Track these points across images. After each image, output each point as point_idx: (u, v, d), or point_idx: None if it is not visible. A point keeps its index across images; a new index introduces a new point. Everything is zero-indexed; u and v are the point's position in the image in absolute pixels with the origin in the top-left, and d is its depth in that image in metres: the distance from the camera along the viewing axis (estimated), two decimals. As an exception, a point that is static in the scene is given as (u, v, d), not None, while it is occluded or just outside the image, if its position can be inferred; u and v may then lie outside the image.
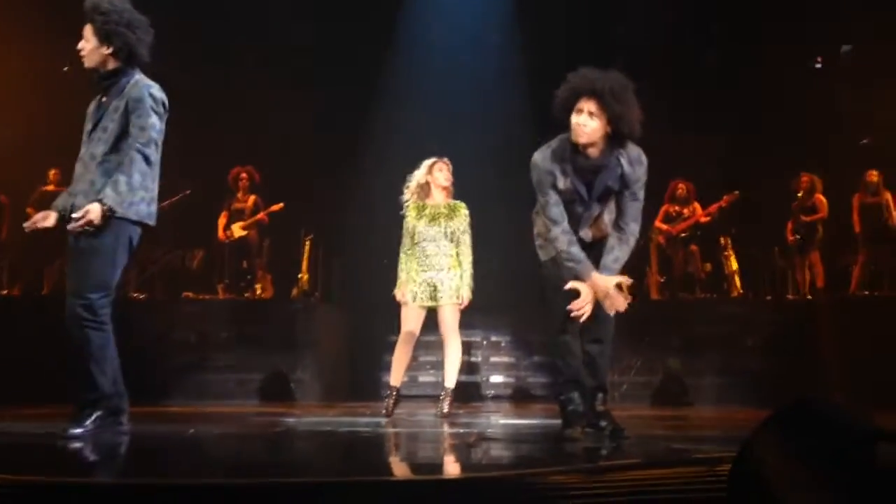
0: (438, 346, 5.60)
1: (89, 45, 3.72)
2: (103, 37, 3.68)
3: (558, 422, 3.88)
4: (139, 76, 3.75)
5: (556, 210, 3.60)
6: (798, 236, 8.42)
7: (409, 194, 5.45)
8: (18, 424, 4.36)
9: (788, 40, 9.17)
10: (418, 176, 5.45)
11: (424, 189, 5.45)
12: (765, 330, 7.49)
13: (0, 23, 8.29)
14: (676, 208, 8.73)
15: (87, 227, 3.52)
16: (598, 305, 3.62)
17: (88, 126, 3.76)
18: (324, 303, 8.44)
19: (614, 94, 3.43)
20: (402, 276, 5.37)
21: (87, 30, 3.72)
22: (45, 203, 7.90)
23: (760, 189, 8.72)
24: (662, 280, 8.73)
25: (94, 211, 3.51)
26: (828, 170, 8.60)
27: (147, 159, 3.61)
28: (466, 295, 5.33)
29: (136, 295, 8.17)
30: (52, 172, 8.30)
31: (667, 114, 8.33)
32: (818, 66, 9.76)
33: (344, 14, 9.35)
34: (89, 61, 3.74)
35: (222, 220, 8.73)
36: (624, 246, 3.62)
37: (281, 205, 8.60)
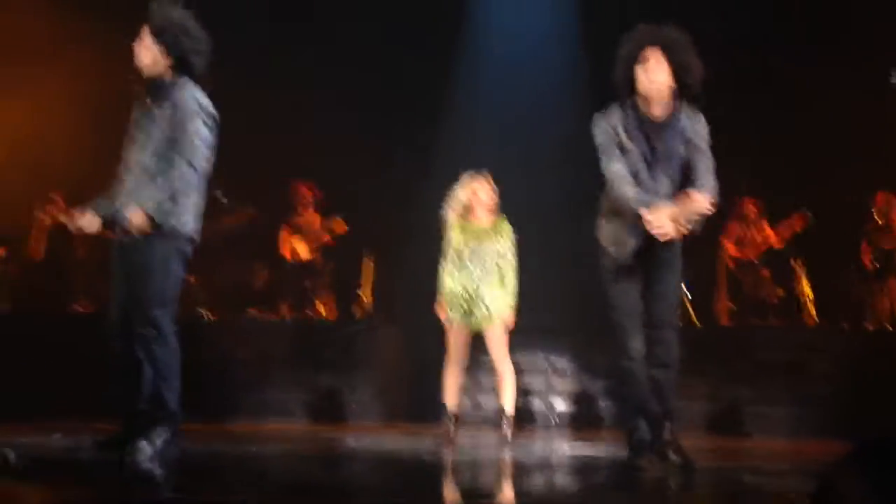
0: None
1: (146, 49, 3.73)
2: (160, 42, 3.70)
3: (625, 451, 3.77)
4: (189, 86, 3.74)
5: (620, 165, 3.50)
6: (875, 261, 8.08)
7: (452, 214, 5.35)
8: (89, 437, 4.43)
9: (860, 53, 8.87)
10: (459, 193, 5.34)
11: (467, 207, 5.35)
12: (841, 360, 7.18)
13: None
14: (745, 229, 8.46)
15: (136, 238, 3.55)
16: (660, 319, 3.53)
17: (135, 133, 3.76)
18: (386, 324, 8.43)
19: (678, 42, 3.46)
20: (443, 294, 5.27)
21: (145, 31, 3.74)
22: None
23: (835, 209, 8.39)
24: (732, 306, 8.47)
25: (138, 219, 3.54)
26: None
27: (195, 170, 3.62)
28: (511, 315, 5.25)
29: (200, 313, 8.28)
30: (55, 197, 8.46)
31: (734, 128, 8.15)
32: (894, 80, 9.40)
33: (408, 27, 9.41)
34: (143, 64, 3.73)
35: (284, 238, 8.80)
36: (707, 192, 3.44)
37: (345, 228, 8.63)
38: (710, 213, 3.39)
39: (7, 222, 8.29)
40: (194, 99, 3.69)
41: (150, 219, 3.55)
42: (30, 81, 8.60)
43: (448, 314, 5.24)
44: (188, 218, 3.67)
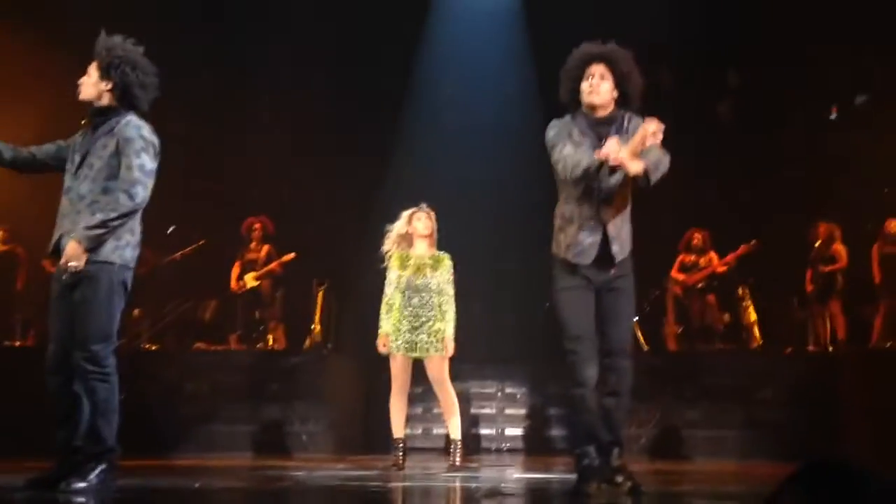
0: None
1: (90, 79, 3.72)
2: (104, 71, 3.69)
3: (574, 476, 3.76)
4: (131, 117, 3.72)
5: (570, 147, 3.58)
6: (816, 286, 8.30)
7: (390, 244, 5.44)
8: (24, 477, 4.28)
9: (803, 89, 9.18)
10: (398, 227, 5.45)
11: (406, 239, 5.44)
12: (785, 382, 7.33)
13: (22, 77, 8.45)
14: (692, 258, 8.62)
15: (74, 271, 3.49)
16: (614, 347, 3.56)
17: (76, 158, 3.72)
18: (336, 353, 8.36)
19: (620, 56, 3.66)
20: (384, 326, 5.33)
21: (93, 64, 3.74)
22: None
23: (778, 238, 8.62)
24: (679, 331, 8.60)
25: (75, 252, 3.48)
26: (847, 219, 8.51)
27: (132, 199, 3.58)
28: (451, 346, 5.31)
29: (148, 346, 8.13)
30: None
31: (682, 162, 8.34)
32: (833, 116, 9.74)
33: (359, 61, 9.45)
34: (85, 93, 3.73)
35: (235, 271, 8.71)
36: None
37: (293, 255, 8.58)
38: (658, 136, 3.45)
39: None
40: (137, 130, 3.66)
41: (85, 251, 3.49)
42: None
43: (389, 346, 5.26)
44: (126, 250, 3.63)
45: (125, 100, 3.73)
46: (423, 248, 5.44)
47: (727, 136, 9.62)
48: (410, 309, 5.28)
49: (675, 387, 7.53)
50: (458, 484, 4.38)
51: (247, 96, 9.72)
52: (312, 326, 8.41)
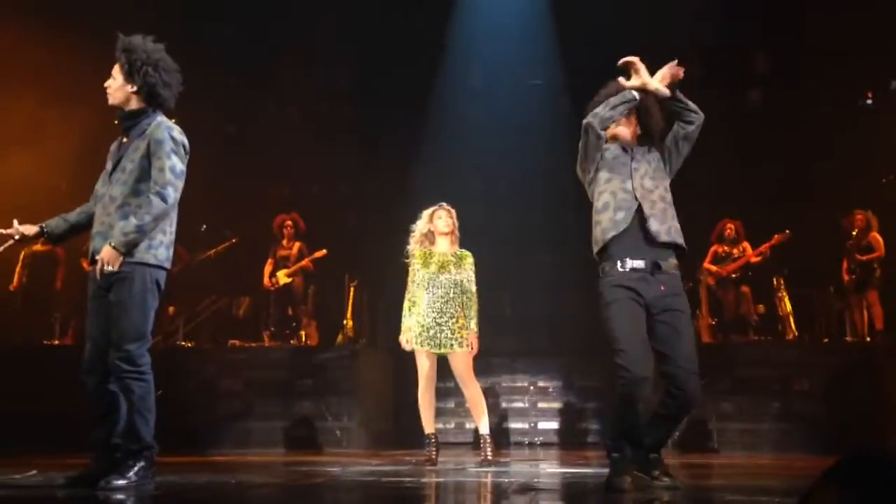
0: (484, 391, 5.54)
1: (115, 83, 3.76)
2: (128, 74, 3.72)
3: (607, 470, 3.75)
4: (161, 118, 3.77)
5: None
6: (853, 276, 8.17)
7: (412, 243, 5.52)
8: (65, 475, 4.36)
9: (837, 76, 9.02)
10: (420, 225, 5.53)
11: (429, 237, 5.52)
12: (822, 374, 7.23)
13: (46, 77, 8.57)
14: (725, 248, 8.54)
15: (110, 273, 3.55)
16: (679, 379, 3.50)
17: (109, 166, 3.78)
18: (368, 349, 8.41)
19: (647, 101, 3.74)
20: (406, 322, 5.39)
21: (116, 68, 3.77)
22: (34, 264, 8.12)
23: (813, 228, 8.49)
24: (713, 323, 8.51)
25: (110, 256, 3.54)
26: (883, 208, 8.36)
27: (165, 201, 3.62)
28: (475, 342, 5.35)
29: (183, 343, 8.25)
30: None
31: (715, 152, 8.25)
32: (868, 102, 9.57)
33: (386, 60, 9.47)
34: (113, 98, 3.77)
35: (268, 268, 8.79)
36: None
37: (324, 251, 8.64)
38: (680, 74, 3.64)
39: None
40: (167, 131, 3.70)
41: (121, 255, 3.55)
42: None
43: (413, 342, 5.31)
44: (160, 249, 3.68)
45: (152, 100, 3.77)
46: (445, 246, 5.50)
47: (759, 124, 9.49)
48: (434, 305, 5.33)
49: (708, 379, 7.45)
50: (489, 479, 4.39)
51: (275, 95, 9.80)
52: (344, 322, 8.47)
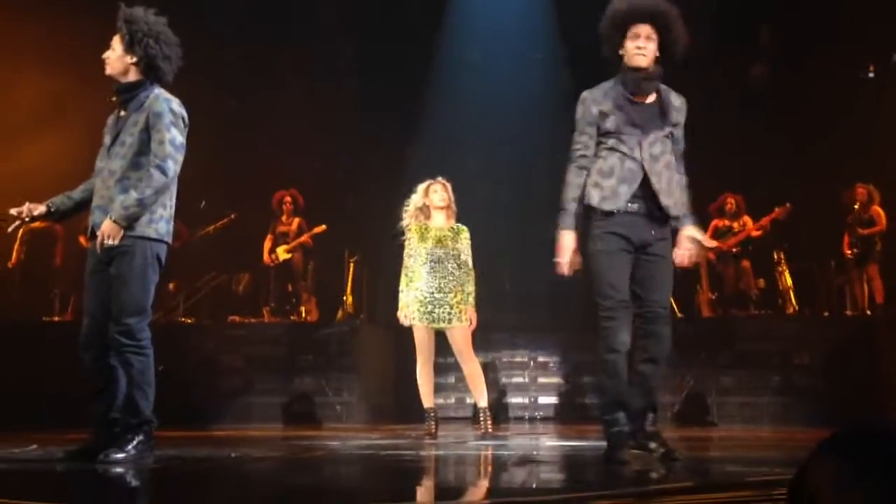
0: (483, 366, 5.55)
1: (114, 53, 3.72)
2: (128, 45, 3.68)
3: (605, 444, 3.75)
4: (159, 90, 3.73)
5: (583, 152, 3.60)
6: (855, 250, 8.15)
7: (408, 218, 5.49)
8: (65, 449, 4.37)
9: (839, 49, 8.94)
10: (415, 199, 5.50)
11: (424, 211, 5.49)
12: (822, 347, 7.24)
13: (46, 50, 8.52)
14: (726, 222, 8.51)
15: (110, 247, 3.53)
16: (653, 312, 3.53)
17: (107, 140, 3.76)
18: (368, 325, 8.41)
19: (671, 18, 3.57)
20: (403, 298, 5.39)
21: (115, 38, 3.73)
22: (32, 240, 8.09)
23: (813, 202, 8.46)
24: (714, 297, 8.50)
25: (111, 229, 3.52)
26: (884, 181, 8.32)
27: (165, 174, 3.60)
28: (473, 317, 5.37)
29: (183, 319, 8.25)
30: None
31: (714, 126, 8.19)
32: (870, 74, 9.49)
33: (386, 35, 9.39)
34: (112, 68, 3.73)
35: (267, 244, 8.78)
36: (684, 194, 3.65)
37: (323, 227, 8.63)
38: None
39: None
40: (166, 103, 3.66)
41: (121, 228, 3.52)
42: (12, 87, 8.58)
43: (410, 317, 5.30)
44: (160, 223, 3.66)
45: (151, 73, 3.72)
46: (441, 220, 5.47)
47: (760, 98, 9.42)
48: (431, 280, 5.31)
49: (708, 353, 7.47)
50: (489, 452, 4.40)
51: (275, 71, 9.72)
52: (344, 298, 8.47)
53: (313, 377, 7.45)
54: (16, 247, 8.44)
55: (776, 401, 7.17)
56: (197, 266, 8.85)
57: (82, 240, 7.96)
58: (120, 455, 3.48)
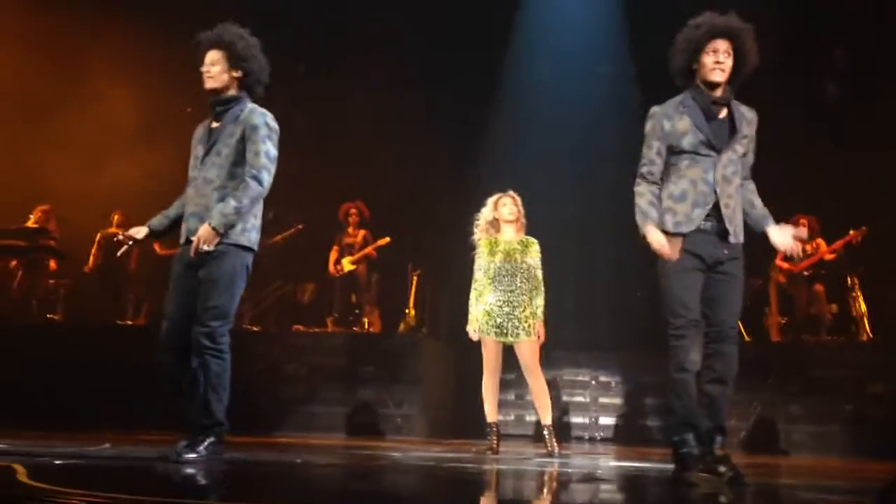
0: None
1: (217, 68, 3.83)
2: (235, 61, 3.82)
3: (672, 466, 3.69)
4: (252, 105, 3.86)
5: (650, 168, 3.61)
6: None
7: (479, 232, 5.49)
8: (137, 449, 4.50)
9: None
10: (485, 213, 5.50)
11: (494, 225, 5.48)
12: (895, 378, 6.98)
13: (139, 65, 8.84)
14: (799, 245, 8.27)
15: (204, 252, 3.63)
16: (722, 332, 3.47)
17: (199, 151, 3.87)
18: (430, 338, 8.44)
19: (746, 35, 3.59)
20: (473, 312, 5.38)
21: (216, 54, 3.84)
22: (109, 246, 8.35)
23: (890, 225, 8.18)
24: (784, 322, 8.28)
25: (207, 235, 3.62)
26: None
27: (261, 184, 3.71)
28: (542, 331, 5.31)
29: (249, 327, 8.40)
30: (115, 217, 8.64)
31: (788, 146, 8.01)
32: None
33: (454, 48, 9.45)
34: (215, 82, 3.84)
35: (333, 255, 8.90)
36: (757, 198, 3.70)
37: (387, 239, 8.71)
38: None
39: (63, 236, 8.52)
40: (262, 118, 3.79)
41: (218, 235, 3.63)
42: (97, 100, 8.92)
43: (479, 331, 5.29)
44: (252, 233, 3.79)
45: (248, 89, 3.87)
46: (510, 234, 5.46)
47: (836, 118, 9.18)
48: (501, 294, 5.30)
49: (778, 379, 7.28)
50: (552, 469, 4.37)
51: (341, 83, 9.87)
52: (406, 311, 8.52)
53: (374, 388, 7.49)
54: (93, 252, 8.73)
55: (847, 430, 6.93)
56: (264, 275, 9.01)
57: (156, 246, 8.24)
58: (192, 455, 3.57)
